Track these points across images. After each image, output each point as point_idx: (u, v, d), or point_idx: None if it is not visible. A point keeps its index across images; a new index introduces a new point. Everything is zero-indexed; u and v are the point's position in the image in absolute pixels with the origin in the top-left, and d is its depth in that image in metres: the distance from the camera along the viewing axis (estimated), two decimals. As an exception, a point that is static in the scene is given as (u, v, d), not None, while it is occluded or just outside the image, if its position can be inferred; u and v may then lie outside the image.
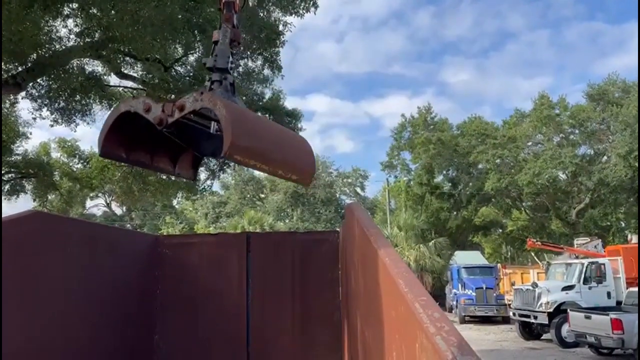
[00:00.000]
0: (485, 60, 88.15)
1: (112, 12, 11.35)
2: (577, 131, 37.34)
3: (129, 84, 16.07)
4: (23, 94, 14.35)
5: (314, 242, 7.20)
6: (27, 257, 4.34)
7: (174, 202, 41.61)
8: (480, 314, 24.71)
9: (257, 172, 53.34)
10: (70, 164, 22.92)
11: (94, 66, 14.76)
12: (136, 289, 6.44)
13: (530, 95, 76.87)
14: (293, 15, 14.43)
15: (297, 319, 6.75)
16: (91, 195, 36.04)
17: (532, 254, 36.05)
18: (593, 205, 37.26)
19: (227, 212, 52.94)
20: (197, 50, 14.43)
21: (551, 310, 17.25)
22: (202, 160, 4.53)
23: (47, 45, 12.34)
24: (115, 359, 5.76)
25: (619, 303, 16.46)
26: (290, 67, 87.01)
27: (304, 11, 14.33)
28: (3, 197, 19.87)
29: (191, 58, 15.22)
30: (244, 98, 17.44)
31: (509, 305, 22.53)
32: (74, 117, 15.03)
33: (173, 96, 14.58)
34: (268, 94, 18.71)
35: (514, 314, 19.50)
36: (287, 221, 50.86)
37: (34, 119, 14.96)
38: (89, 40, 12.64)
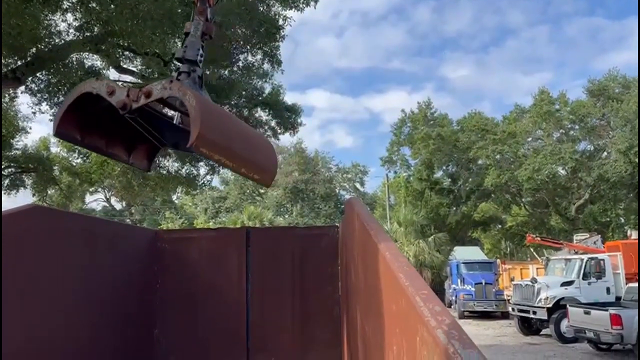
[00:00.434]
0: (485, 56, 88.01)
1: (112, 6, 11.31)
2: (577, 127, 37.32)
3: (128, 78, 16.03)
4: (22, 88, 14.32)
5: (313, 237, 7.21)
6: (27, 252, 4.33)
7: (174, 197, 41.66)
8: (480, 309, 24.76)
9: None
10: (70, 159, 22.89)
11: (93, 61, 14.73)
12: (136, 284, 6.44)
13: (530, 91, 76.83)
14: (293, 9, 14.37)
15: (297, 314, 6.76)
16: (91, 190, 36.07)
17: (532, 249, 36.14)
18: (593, 201, 37.29)
19: (226, 207, 52.95)
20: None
21: (550, 305, 17.27)
22: (158, 151, 4.37)
23: (46, 40, 12.30)
24: (115, 354, 5.77)
25: (618, 299, 16.48)
26: (290, 62, 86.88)
27: (304, 5, 14.26)
28: (3, 192, 19.87)
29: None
30: (243, 92, 17.43)
31: (508, 300, 22.58)
32: (74, 112, 14.97)
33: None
34: (268, 89, 18.67)
35: (513, 310, 19.54)
36: (286, 216, 50.89)
37: (34, 113, 14.97)
38: (88, 34, 12.60)
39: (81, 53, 13.71)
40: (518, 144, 37.22)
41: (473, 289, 24.95)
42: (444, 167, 43.62)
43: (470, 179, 41.87)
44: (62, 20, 12.41)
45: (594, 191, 36.53)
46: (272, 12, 14.38)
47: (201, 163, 19.29)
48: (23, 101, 47.19)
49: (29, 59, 12.71)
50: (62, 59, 12.98)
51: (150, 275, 6.77)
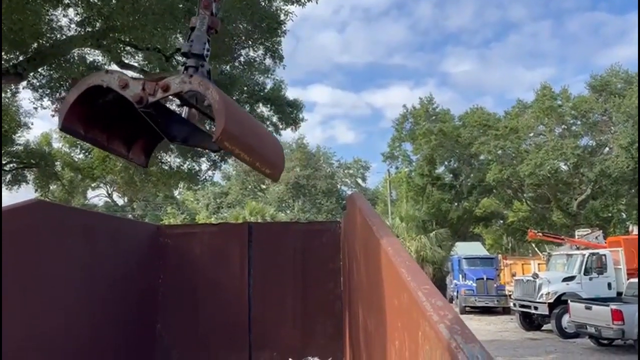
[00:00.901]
0: (487, 51, 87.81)
1: (113, 1, 11.28)
2: (579, 122, 37.22)
3: (130, 73, 16.00)
4: (24, 83, 14.30)
5: (315, 232, 7.21)
6: (29, 246, 4.34)
7: (176, 192, 41.69)
8: (481, 305, 24.79)
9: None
10: (72, 154, 22.91)
11: (95, 56, 14.70)
12: (137, 279, 6.45)
13: (532, 86, 76.71)
14: (294, 4, 14.30)
15: (299, 309, 6.77)
16: (93, 185, 36.12)
17: (533, 245, 36.09)
18: (594, 197, 37.22)
19: (228, 202, 52.95)
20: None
21: (552, 301, 17.29)
22: (155, 147, 4.29)
23: (47, 35, 12.27)
24: (117, 349, 5.79)
25: (619, 294, 16.48)
26: (291, 57, 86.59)
27: (306, 0, 14.21)
28: (5, 187, 19.90)
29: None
30: (245, 88, 17.40)
31: (510, 296, 22.60)
32: (75, 107, 14.97)
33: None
34: (269, 84, 18.62)
35: (514, 305, 19.55)
36: (288, 212, 50.87)
37: (35, 108, 14.92)
38: (89, 29, 12.57)
39: (83, 48, 13.69)
40: (520, 140, 37.14)
41: (474, 285, 24.97)
42: (446, 163, 43.57)
43: (472, 175, 41.82)
44: (64, 16, 12.39)
45: (596, 187, 36.45)
46: (274, 7, 14.32)
47: (203, 159, 19.28)
48: (25, 97, 47.19)
49: (30, 54, 12.69)
50: (64, 54, 12.96)
51: (152, 271, 6.79)
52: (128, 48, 14.38)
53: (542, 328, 18.55)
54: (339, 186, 56.21)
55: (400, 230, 33.53)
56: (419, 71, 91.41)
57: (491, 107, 78.49)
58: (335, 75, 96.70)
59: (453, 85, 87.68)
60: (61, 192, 25.94)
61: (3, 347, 3.81)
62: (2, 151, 18.76)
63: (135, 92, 3.21)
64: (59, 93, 14.20)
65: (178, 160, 19.28)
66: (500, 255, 32.76)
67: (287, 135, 60.98)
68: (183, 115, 3.90)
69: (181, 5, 11.92)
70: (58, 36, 12.55)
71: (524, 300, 18.54)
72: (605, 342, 14.75)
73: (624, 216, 38.23)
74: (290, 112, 18.80)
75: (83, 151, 21.43)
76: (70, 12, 12.31)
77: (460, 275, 26.70)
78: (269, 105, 18.53)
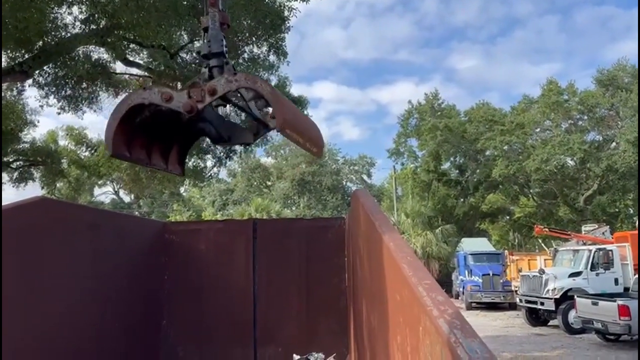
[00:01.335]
0: (492, 47, 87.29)
1: (117, -2, 11.31)
2: (585, 117, 37.01)
3: (135, 71, 16.05)
4: (30, 81, 14.38)
5: (320, 228, 7.23)
6: (34, 243, 4.36)
7: (181, 189, 41.78)
8: (487, 301, 24.74)
9: (263, 159, 53.40)
10: (78, 152, 23.02)
11: (100, 54, 14.76)
12: (143, 275, 6.49)
13: (538, 82, 76.02)
14: (298, 0, 14.29)
15: (303, 304, 6.79)
16: (99, 183, 36.34)
17: (540, 240, 35.99)
18: (601, 192, 37.04)
19: (234, 199, 53.06)
20: (202, 36, 14.33)
21: (558, 296, 17.23)
22: (187, 153, 4.35)
23: (52, 33, 12.33)
24: (123, 344, 5.82)
25: (626, 289, 16.40)
26: (296, 53, 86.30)
27: (310, -4, 14.17)
28: (12, 185, 20.04)
29: (197, 44, 15.14)
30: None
31: (516, 291, 22.54)
32: (81, 105, 15.04)
33: (179, 83, 14.55)
34: (274, 81, 18.59)
35: (520, 301, 19.51)
36: (293, 208, 50.93)
37: (41, 106, 15.00)
38: (94, 27, 12.61)
39: (87, 46, 13.73)
40: (526, 135, 36.98)
41: (480, 280, 24.92)
42: (452, 159, 43.45)
43: (477, 170, 41.69)
44: (68, 14, 12.42)
45: (603, 182, 36.27)
46: (277, 3, 14.30)
47: (208, 156, 19.32)
48: (30, 94, 47.51)
49: (35, 52, 12.75)
50: (69, 52, 13.01)
51: (158, 267, 6.82)
52: (132, 45, 14.41)
53: (549, 324, 18.50)
54: (344, 183, 56.19)
55: (406, 227, 33.49)
56: (424, 67, 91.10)
57: (497, 102, 77.80)
58: (340, 72, 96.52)
59: (459, 81, 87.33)
60: (68, 189, 26.07)
61: (9, 344, 3.84)
62: (9, 149, 18.89)
63: (182, 102, 3.24)
64: (64, 91, 14.26)
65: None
66: (506, 251, 32.66)
67: (292, 132, 60.79)
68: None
69: (185, 2, 11.93)
70: (63, 34, 12.60)
71: (530, 296, 18.49)
72: (612, 337, 14.69)
73: (631, 211, 38.00)
74: (295, 109, 18.78)
75: (89, 149, 21.52)
76: (75, 10, 12.35)
77: (466, 271, 26.65)
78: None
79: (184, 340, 6.76)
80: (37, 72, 13.63)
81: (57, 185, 24.54)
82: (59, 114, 14.94)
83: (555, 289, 17.46)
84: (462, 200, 42.92)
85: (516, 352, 13.79)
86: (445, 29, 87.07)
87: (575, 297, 15.59)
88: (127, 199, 52.02)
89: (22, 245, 4.17)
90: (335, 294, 6.71)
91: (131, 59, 15.18)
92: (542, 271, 18.98)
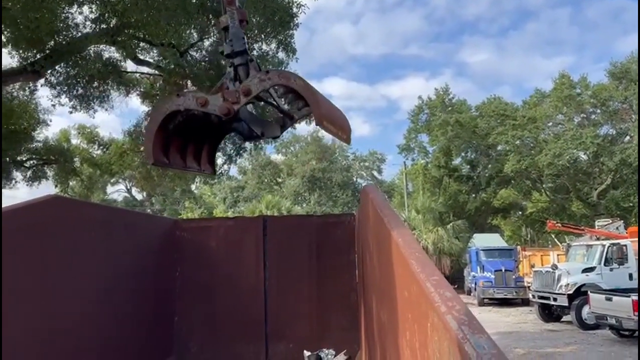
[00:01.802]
0: (504, 40, 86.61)
1: (126, -3, 11.38)
2: (598, 111, 36.59)
3: (145, 69, 16.15)
4: (42, 81, 14.52)
5: (330, 225, 7.23)
6: (47, 241, 4.41)
7: (193, 187, 41.95)
8: (499, 297, 24.62)
9: (273, 156, 53.52)
10: (90, 150, 23.21)
11: (111, 53, 14.86)
12: (155, 272, 6.54)
13: (550, 75, 75.46)
14: (307, -4, 14.27)
15: (314, 301, 6.81)
16: (112, 181, 36.59)
17: (552, 236, 35.72)
18: (615, 186, 36.61)
19: (244, 196, 53.26)
20: (212, 34, 14.40)
21: (571, 292, 17.11)
22: (216, 152, 4.46)
23: (63, 33, 12.44)
24: (136, 341, 5.87)
25: (641, 284, 16.24)
26: (305, 50, 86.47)
27: (318, -8, 14.17)
28: (25, 184, 20.28)
29: (206, 43, 15.20)
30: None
31: (529, 287, 22.40)
32: (93, 104, 15.18)
33: (189, 81, 14.61)
34: (283, 78, 18.60)
35: (533, 296, 19.38)
36: (304, 205, 51.00)
37: (53, 105, 15.14)
38: (104, 26, 12.71)
39: (98, 45, 13.84)
40: (538, 129, 36.64)
41: (492, 276, 24.81)
42: (463, 154, 43.18)
43: (489, 165, 41.40)
44: (79, 13, 12.54)
45: (616, 176, 35.86)
46: (286, 0, 14.30)
47: (218, 153, 19.38)
48: (43, 94, 48.00)
49: (47, 52, 12.87)
50: (80, 52, 13.12)
51: (169, 264, 6.87)
52: (143, 44, 14.49)
53: (562, 319, 18.37)
54: (354, 179, 56.15)
55: (417, 223, 33.39)
56: (435, 61, 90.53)
57: (509, 97, 77.59)
58: (350, 68, 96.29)
59: (470, 76, 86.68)
60: (80, 187, 26.30)
61: (20, 342, 3.89)
62: (23, 148, 19.10)
63: (218, 105, 3.31)
64: (76, 90, 14.39)
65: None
66: (519, 247, 32.46)
67: (302, 129, 60.92)
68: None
69: (194, 1, 11.96)
70: (74, 34, 12.71)
71: (543, 292, 18.37)
72: (626, 333, 14.55)
73: (646, 206, 37.52)
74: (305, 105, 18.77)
75: (101, 147, 21.69)
76: (85, 9, 12.47)
77: (479, 267, 26.53)
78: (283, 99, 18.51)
79: (196, 336, 6.81)
80: (49, 71, 13.76)
81: (70, 183, 24.74)
82: (70, 112, 15.10)
83: (568, 284, 17.33)
84: (473, 195, 42.67)
85: (529, 348, 13.71)
86: (456, 22, 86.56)
87: (589, 292, 15.45)
88: (139, 196, 52.46)
89: (36, 243, 4.22)
90: (345, 290, 6.72)
91: (141, 57, 15.26)
92: (555, 267, 18.85)
